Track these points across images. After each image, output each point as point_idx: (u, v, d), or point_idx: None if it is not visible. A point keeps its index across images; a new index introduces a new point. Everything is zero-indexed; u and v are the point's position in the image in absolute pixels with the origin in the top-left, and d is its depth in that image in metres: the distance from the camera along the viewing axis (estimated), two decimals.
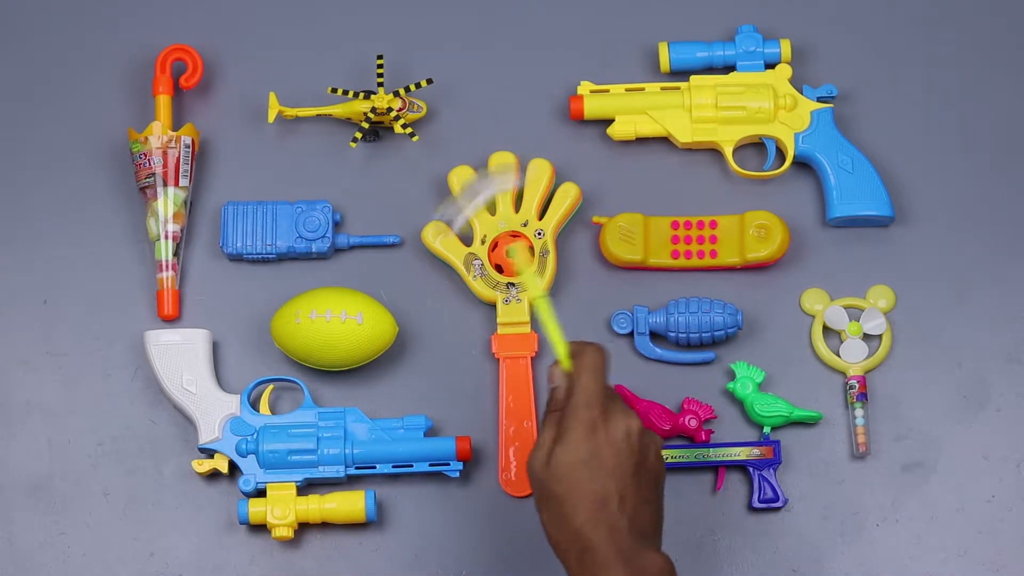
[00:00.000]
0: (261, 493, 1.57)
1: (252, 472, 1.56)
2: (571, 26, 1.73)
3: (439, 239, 1.64)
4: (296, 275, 1.65)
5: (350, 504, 1.55)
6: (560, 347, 1.39)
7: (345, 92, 1.66)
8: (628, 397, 1.59)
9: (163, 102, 1.67)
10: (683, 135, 1.67)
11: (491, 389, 1.62)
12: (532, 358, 1.61)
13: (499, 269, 1.63)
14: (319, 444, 1.56)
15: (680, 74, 1.70)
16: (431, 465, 1.57)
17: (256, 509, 1.55)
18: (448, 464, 1.57)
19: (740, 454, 1.58)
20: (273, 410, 1.61)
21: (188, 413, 1.58)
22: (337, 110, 1.67)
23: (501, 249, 1.63)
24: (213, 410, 1.58)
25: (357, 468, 1.57)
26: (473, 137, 1.68)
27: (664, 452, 1.58)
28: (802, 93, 1.68)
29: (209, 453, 1.58)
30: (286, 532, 1.55)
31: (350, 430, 1.57)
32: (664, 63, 1.70)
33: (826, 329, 1.63)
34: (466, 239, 1.64)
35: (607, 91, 1.69)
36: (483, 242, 1.63)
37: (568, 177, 1.67)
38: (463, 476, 1.58)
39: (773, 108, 1.67)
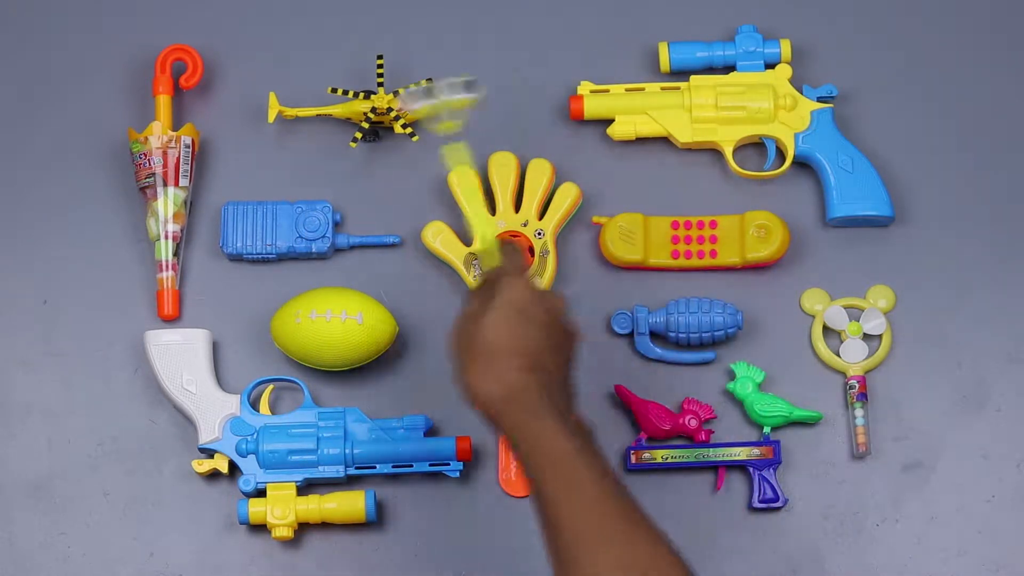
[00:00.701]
0: (261, 493, 1.57)
1: (252, 472, 1.56)
2: (571, 26, 1.73)
3: (439, 239, 1.64)
4: (296, 275, 1.65)
5: (350, 504, 1.55)
6: (488, 239, 1.43)
7: (345, 92, 1.66)
8: (628, 397, 1.59)
9: (163, 102, 1.67)
10: (683, 135, 1.67)
11: None
12: None
13: None
14: (319, 444, 1.56)
15: (680, 74, 1.70)
16: (431, 465, 1.57)
17: (256, 509, 1.55)
18: (448, 464, 1.57)
19: (740, 454, 1.58)
20: (273, 410, 1.61)
21: (188, 413, 1.58)
22: (337, 110, 1.67)
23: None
24: (213, 410, 1.58)
25: (357, 468, 1.57)
26: (473, 137, 1.68)
27: (664, 452, 1.58)
28: (802, 93, 1.68)
29: (209, 453, 1.58)
30: (286, 532, 1.55)
31: (350, 430, 1.57)
32: (664, 63, 1.70)
33: (826, 329, 1.63)
34: (466, 239, 1.64)
35: (607, 91, 1.69)
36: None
37: (568, 177, 1.67)
38: (463, 476, 1.58)
39: (773, 108, 1.67)
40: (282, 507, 1.55)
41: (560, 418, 1.33)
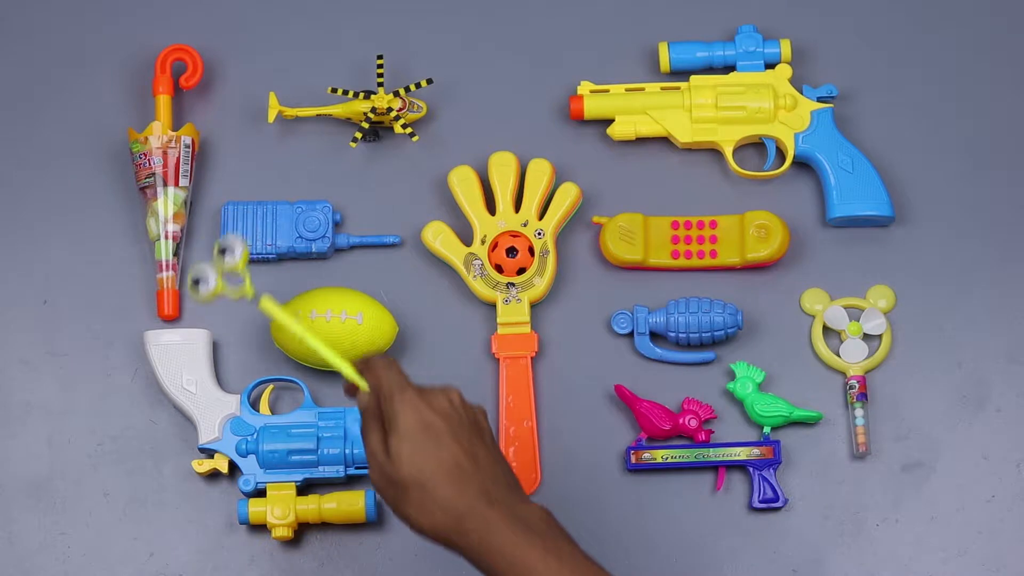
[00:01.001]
0: (261, 493, 1.57)
1: (252, 472, 1.56)
2: (571, 26, 1.73)
3: (439, 239, 1.64)
4: (296, 275, 1.65)
5: (350, 504, 1.55)
6: (347, 370, 1.35)
7: (345, 92, 1.66)
8: (628, 397, 1.59)
9: (163, 102, 1.67)
10: (683, 135, 1.67)
11: (491, 389, 1.62)
12: (532, 358, 1.61)
13: (499, 269, 1.63)
14: (319, 444, 1.56)
15: (680, 74, 1.70)
16: None
17: (256, 509, 1.55)
18: None
19: (740, 454, 1.58)
20: (273, 410, 1.61)
21: (188, 413, 1.58)
22: (337, 110, 1.67)
23: (501, 249, 1.63)
24: (213, 410, 1.58)
25: (357, 468, 1.57)
26: (473, 137, 1.68)
27: (664, 452, 1.58)
28: (802, 93, 1.68)
29: (209, 453, 1.58)
30: (286, 532, 1.55)
31: (350, 430, 1.57)
32: (664, 63, 1.70)
33: (826, 329, 1.63)
34: (466, 239, 1.64)
35: (607, 91, 1.69)
36: (483, 242, 1.63)
37: (568, 177, 1.67)
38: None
39: (773, 108, 1.67)
40: (282, 507, 1.55)
41: (517, 524, 1.30)
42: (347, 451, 1.56)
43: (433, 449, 1.31)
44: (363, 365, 1.35)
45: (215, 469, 1.57)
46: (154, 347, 1.59)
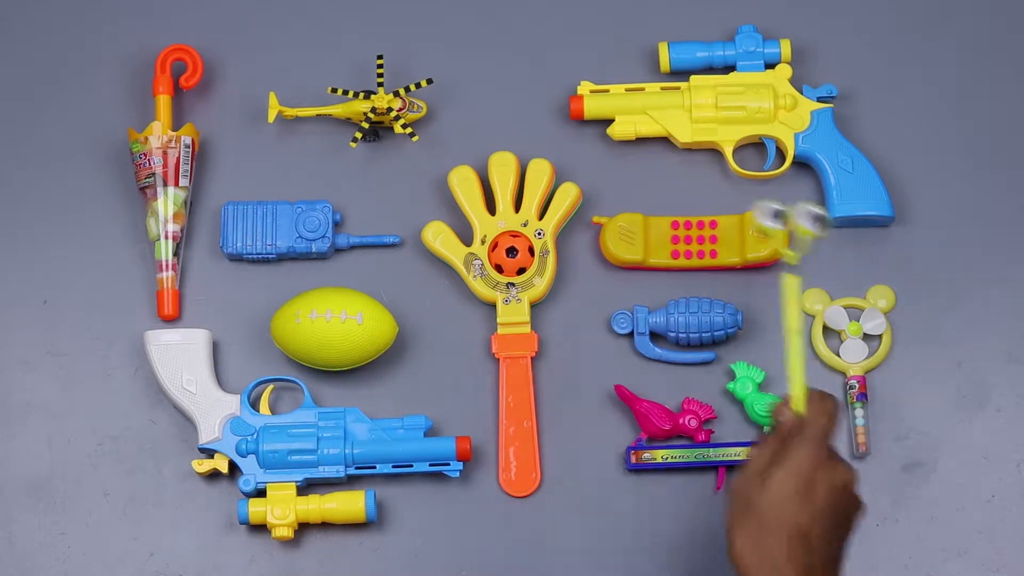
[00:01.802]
0: (261, 493, 1.57)
1: (252, 472, 1.56)
2: (571, 26, 1.73)
3: (439, 239, 1.64)
4: (296, 275, 1.65)
5: (350, 504, 1.55)
6: (799, 388, 1.40)
7: (345, 92, 1.66)
8: (628, 397, 1.59)
9: (163, 102, 1.67)
10: (683, 135, 1.67)
11: (491, 389, 1.62)
12: (532, 358, 1.61)
13: (499, 269, 1.63)
14: (319, 444, 1.56)
15: (680, 74, 1.70)
16: (431, 465, 1.57)
17: (256, 509, 1.55)
18: (448, 464, 1.57)
19: (740, 454, 1.58)
20: (273, 410, 1.61)
21: (188, 413, 1.59)
22: (337, 110, 1.67)
23: (501, 249, 1.63)
24: (213, 410, 1.58)
25: (357, 468, 1.57)
26: (473, 137, 1.68)
27: (664, 452, 1.58)
28: (802, 93, 1.68)
29: (209, 453, 1.58)
30: (286, 532, 1.55)
31: (350, 430, 1.57)
32: (664, 63, 1.70)
33: (826, 329, 1.63)
34: (466, 239, 1.64)
35: (607, 91, 1.69)
36: (483, 242, 1.63)
37: (568, 177, 1.67)
38: (463, 476, 1.58)
39: (773, 108, 1.67)
40: (282, 507, 1.55)
41: None
42: (347, 451, 1.56)
43: (799, 504, 1.34)
44: (816, 396, 1.39)
45: (215, 469, 1.57)
46: (154, 347, 1.59)
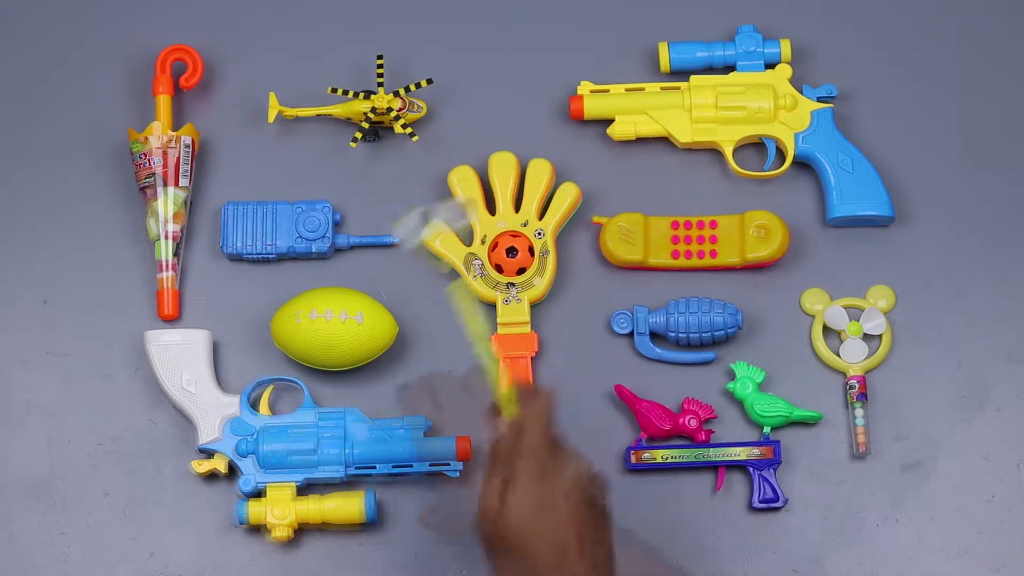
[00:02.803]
0: (261, 493, 1.57)
1: (251, 473, 1.56)
2: (571, 26, 1.73)
3: (439, 239, 1.64)
4: (296, 275, 1.65)
5: (349, 504, 1.55)
6: (503, 393, 1.35)
7: (345, 92, 1.66)
8: (628, 397, 1.59)
9: (163, 102, 1.67)
10: (683, 135, 1.67)
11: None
12: (532, 358, 1.61)
13: (499, 269, 1.63)
14: (319, 444, 1.56)
15: (680, 74, 1.70)
16: (431, 465, 1.57)
17: (255, 510, 1.55)
18: (448, 464, 1.57)
19: (740, 454, 1.58)
20: (273, 410, 1.60)
21: (188, 413, 1.58)
22: (337, 110, 1.67)
23: (501, 249, 1.63)
24: (213, 410, 1.58)
25: (357, 469, 1.57)
26: (473, 137, 1.68)
27: (664, 452, 1.58)
28: (802, 93, 1.68)
29: (209, 453, 1.58)
30: (285, 532, 1.55)
31: (350, 431, 1.57)
32: (664, 63, 1.70)
33: (826, 329, 1.63)
34: (466, 239, 1.64)
35: (607, 91, 1.69)
36: (483, 242, 1.63)
37: (568, 177, 1.67)
38: (463, 476, 1.58)
39: (773, 108, 1.67)
40: (281, 507, 1.55)
41: None
42: (347, 451, 1.56)
43: (544, 527, 1.28)
44: (522, 394, 1.33)
45: (215, 469, 1.57)
46: (154, 347, 1.59)
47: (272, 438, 1.57)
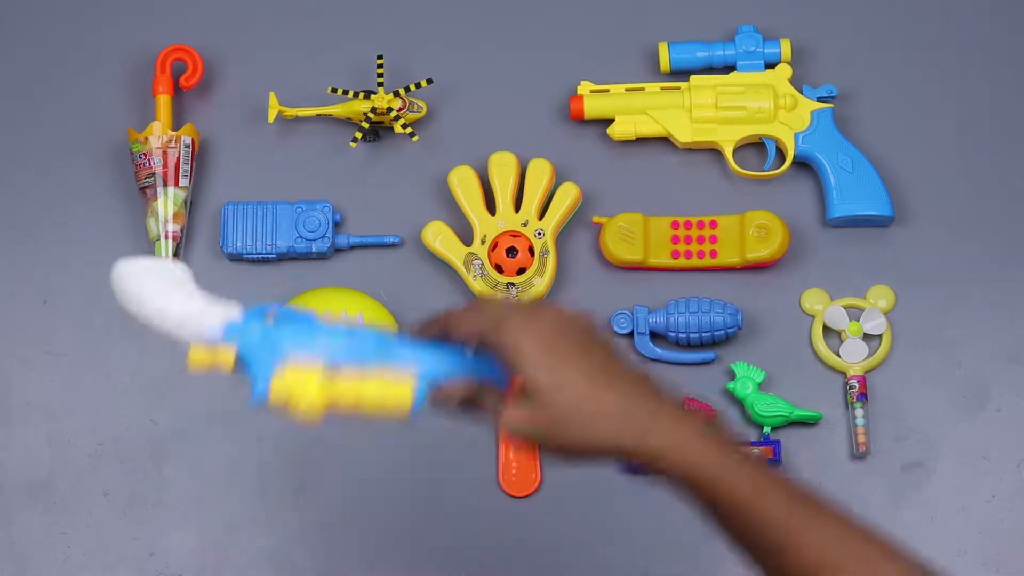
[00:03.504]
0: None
1: (265, 368, 1.19)
2: (571, 26, 1.73)
3: (439, 239, 1.64)
4: (296, 275, 1.65)
5: (394, 391, 1.20)
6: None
7: (345, 92, 1.66)
8: None
9: (163, 102, 1.67)
10: (683, 135, 1.67)
11: None
12: None
13: (499, 269, 1.63)
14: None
15: (680, 74, 1.70)
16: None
17: (280, 385, 1.18)
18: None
19: None
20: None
21: (181, 335, 1.25)
22: (337, 110, 1.67)
23: (501, 249, 1.63)
24: (210, 320, 1.23)
25: None
26: (473, 137, 1.68)
27: None
28: (802, 93, 1.68)
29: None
30: (313, 412, 1.18)
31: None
32: (664, 63, 1.70)
33: (826, 329, 1.63)
34: (466, 239, 1.64)
35: (607, 91, 1.69)
36: (483, 242, 1.63)
37: (568, 177, 1.67)
38: (462, 476, 1.58)
39: (773, 108, 1.67)
40: (309, 382, 1.18)
41: (687, 421, 1.14)
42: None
43: (571, 362, 1.14)
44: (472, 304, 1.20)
45: (217, 363, 1.20)
46: (131, 277, 1.29)
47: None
